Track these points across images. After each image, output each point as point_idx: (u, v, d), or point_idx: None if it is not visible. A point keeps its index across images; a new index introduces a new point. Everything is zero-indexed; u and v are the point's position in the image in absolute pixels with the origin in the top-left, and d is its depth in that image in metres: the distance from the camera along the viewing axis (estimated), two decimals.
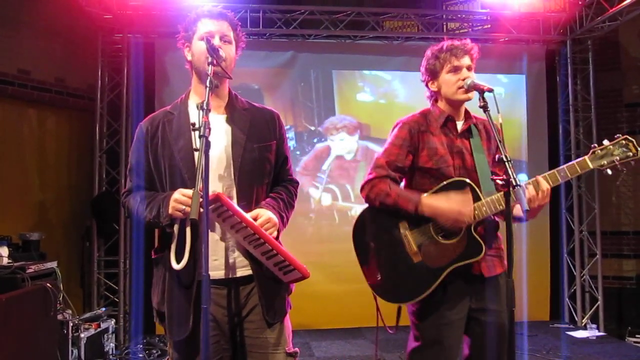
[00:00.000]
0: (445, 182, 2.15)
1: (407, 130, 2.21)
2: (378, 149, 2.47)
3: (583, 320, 5.67)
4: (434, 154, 2.18)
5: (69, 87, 5.42)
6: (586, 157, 2.09)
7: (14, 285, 3.22)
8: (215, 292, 1.83)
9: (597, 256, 5.65)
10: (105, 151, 5.40)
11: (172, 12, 5.18)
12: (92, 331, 4.15)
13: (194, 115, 1.88)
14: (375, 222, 2.24)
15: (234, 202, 1.80)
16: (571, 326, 5.66)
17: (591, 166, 2.07)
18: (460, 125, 2.25)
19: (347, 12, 5.59)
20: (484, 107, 2.01)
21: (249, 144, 1.90)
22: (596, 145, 2.10)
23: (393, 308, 2.29)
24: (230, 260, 1.85)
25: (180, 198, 1.72)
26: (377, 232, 2.24)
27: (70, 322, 3.90)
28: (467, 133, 2.24)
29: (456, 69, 2.19)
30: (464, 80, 2.17)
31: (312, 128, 5.72)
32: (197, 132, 1.63)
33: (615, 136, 2.07)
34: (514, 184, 1.82)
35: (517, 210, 2.14)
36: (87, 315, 4.44)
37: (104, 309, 4.69)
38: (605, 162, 2.06)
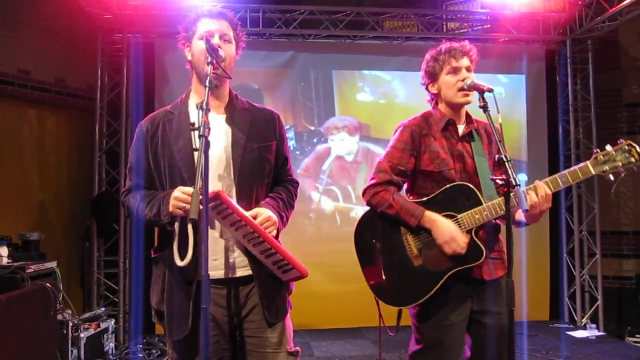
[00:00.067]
0: (447, 186, 2.15)
1: (408, 134, 2.21)
2: (378, 150, 2.47)
3: (583, 320, 5.68)
4: (435, 157, 2.18)
5: (68, 87, 5.42)
6: (588, 162, 2.07)
7: (13, 285, 3.22)
8: (215, 292, 1.82)
9: (597, 256, 5.65)
10: (105, 151, 5.40)
11: (172, 12, 5.18)
12: (91, 331, 4.15)
13: (194, 115, 1.89)
14: (377, 224, 2.24)
15: (234, 202, 1.80)
16: (571, 326, 5.66)
17: (593, 172, 2.05)
18: (461, 129, 2.25)
19: (346, 12, 5.59)
20: (484, 107, 2.01)
21: (249, 144, 1.90)
22: (598, 150, 2.07)
23: (393, 309, 2.29)
24: (230, 260, 1.85)
25: (181, 196, 1.73)
26: (379, 234, 2.24)
27: (70, 322, 3.90)
28: (468, 137, 2.24)
29: (455, 70, 2.19)
30: (463, 80, 2.17)
31: (312, 128, 5.72)
32: (196, 132, 1.63)
33: (618, 141, 2.05)
34: (514, 183, 1.82)
35: (519, 215, 2.15)
36: (87, 315, 4.44)
37: (103, 309, 4.69)
38: (608, 168, 2.04)
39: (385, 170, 2.20)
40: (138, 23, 5.35)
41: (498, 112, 1.96)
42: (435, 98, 2.30)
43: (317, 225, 5.66)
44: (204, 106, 1.64)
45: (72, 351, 3.90)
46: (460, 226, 2.10)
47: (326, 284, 5.29)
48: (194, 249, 1.71)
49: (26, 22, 4.99)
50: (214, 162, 1.82)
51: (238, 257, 1.86)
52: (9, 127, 4.98)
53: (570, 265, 5.82)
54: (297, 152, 5.65)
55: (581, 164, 2.08)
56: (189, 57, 1.95)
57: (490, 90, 2.01)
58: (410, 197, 2.28)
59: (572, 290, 5.81)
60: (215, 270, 1.81)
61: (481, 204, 2.10)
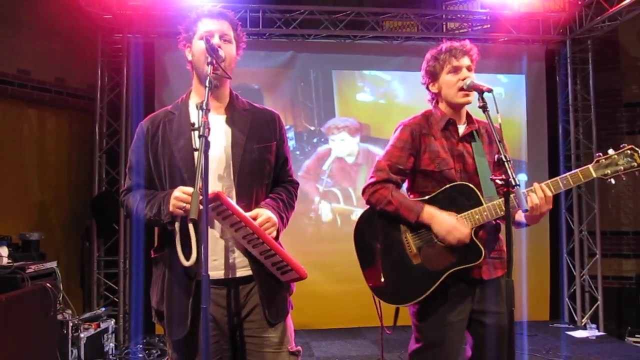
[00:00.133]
0: (448, 185, 2.15)
1: (408, 133, 2.22)
2: (379, 151, 2.47)
3: (583, 320, 5.68)
4: (435, 156, 2.18)
5: (68, 87, 5.42)
6: (590, 166, 2.08)
7: (13, 285, 3.22)
8: (215, 292, 1.82)
9: (597, 256, 5.65)
10: (105, 151, 5.40)
11: (172, 12, 5.19)
12: (91, 331, 4.15)
13: (195, 115, 1.88)
14: (376, 223, 2.24)
15: (233, 203, 1.80)
16: (571, 326, 5.66)
17: (595, 175, 2.07)
18: (462, 129, 2.25)
19: (346, 12, 5.59)
20: (484, 108, 2.01)
21: (249, 144, 1.90)
22: (601, 154, 2.08)
23: (392, 308, 2.29)
24: (230, 261, 1.85)
25: (181, 196, 1.73)
26: (378, 233, 2.24)
27: (70, 322, 3.90)
28: (468, 137, 2.24)
29: (456, 70, 2.20)
30: (464, 80, 2.17)
31: (312, 128, 5.72)
32: (196, 132, 1.63)
33: (621, 145, 2.06)
34: (513, 184, 1.83)
35: (520, 216, 2.15)
36: (87, 315, 4.44)
37: (103, 309, 4.69)
38: (609, 172, 2.06)
39: (384, 168, 2.20)
40: (138, 23, 5.35)
41: (497, 112, 1.96)
42: (436, 97, 2.30)
43: (317, 225, 5.66)
44: (204, 106, 1.64)
45: (72, 351, 3.89)
46: None
47: (326, 284, 5.29)
48: (197, 248, 1.71)
49: (26, 22, 4.99)
50: (214, 163, 1.82)
51: (238, 257, 1.86)
52: (9, 127, 4.98)
53: (571, 265, 5.82)
54: (297, 152, 5.65)
55: (583, 168, 2.08)
56: (190, 58, 1.95)
57: (490, 91, 2.01)
58: (411, 196, 2.28)
59: (572, 290, 5.81)
60: (215, 270, 1.81)
61: (482, 204, 2.10)
